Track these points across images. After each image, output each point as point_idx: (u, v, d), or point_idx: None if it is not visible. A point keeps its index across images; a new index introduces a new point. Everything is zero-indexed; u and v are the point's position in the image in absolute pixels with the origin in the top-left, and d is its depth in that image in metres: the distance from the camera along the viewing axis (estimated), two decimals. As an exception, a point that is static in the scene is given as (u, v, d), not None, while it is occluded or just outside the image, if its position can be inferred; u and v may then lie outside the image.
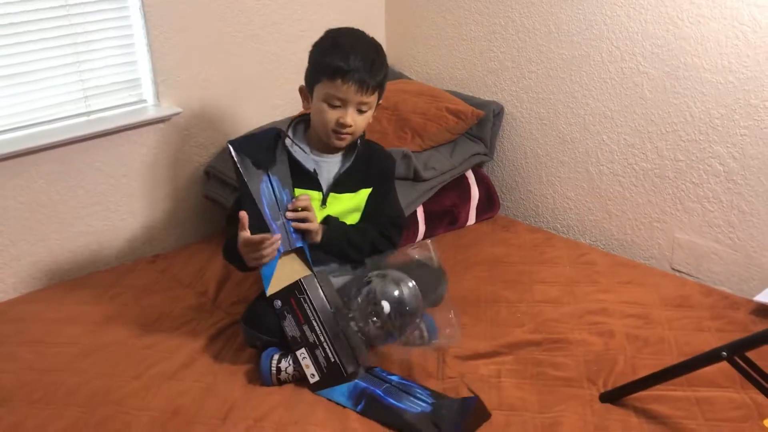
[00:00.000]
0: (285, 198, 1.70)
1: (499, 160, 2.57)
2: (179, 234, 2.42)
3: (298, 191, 1.76)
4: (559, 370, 1.68)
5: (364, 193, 1.83)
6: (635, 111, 2.16)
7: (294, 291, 1.64)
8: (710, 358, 1.40)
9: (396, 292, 1.62)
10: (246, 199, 1.66)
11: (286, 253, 1.68)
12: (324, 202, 1.78)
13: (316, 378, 1.63)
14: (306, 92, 1.77)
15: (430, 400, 1.58)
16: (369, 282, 1.64)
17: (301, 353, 1.63)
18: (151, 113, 2.27)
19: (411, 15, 2.70)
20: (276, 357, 1.68)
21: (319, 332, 1.63)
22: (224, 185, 2.30)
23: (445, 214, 2.38)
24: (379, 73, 1.70)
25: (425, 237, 2.34)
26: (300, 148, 1.79)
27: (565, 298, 1.99)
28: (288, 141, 1.77)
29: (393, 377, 1.66)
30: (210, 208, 2.40)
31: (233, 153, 1.67)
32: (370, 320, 1.63)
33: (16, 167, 2.04)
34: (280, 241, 1.65)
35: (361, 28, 2.69)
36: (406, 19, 2.73)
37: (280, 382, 1.66)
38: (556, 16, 2.27)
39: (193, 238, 2.44)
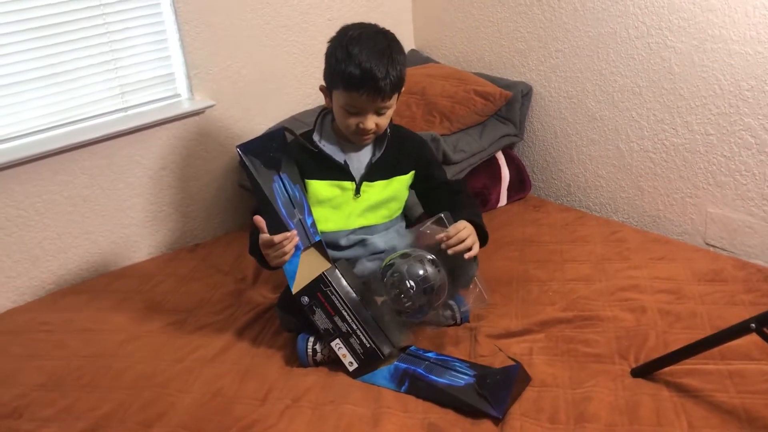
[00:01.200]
0: (297, 195, 1.72)
1: (530, 140, 2.58)
2: (217, 223, 2.48)
3: (330, 183, 1.79)
4: (590, 346, 1.70)
5: (398, 181, 1.84)
6: (664, 86, 2.14)
7: (320, 285, 1.66)
8: (739, 330, 1.40)
9: (420, 271, 1.64)
10: (262, 201, 1.67)
11: (306, 248, 1.71)
12: (357, 191, 1.80)
13: (355, 365, 1.66)
14: (326, 92, 1.76)
15: (471, 372, 1.61)
16: (392, 264, 1.66)
17: (336, 344, 1.67)
18: (186, 107, 2.33)
19: (437, -1, 2.72)
20: (312, 339, 1.73)
21: (350, 321, 1.66)
22: (258, 174, 2.35)
23: (476, 195, 2.39)
24: (395, 77, 1.66)
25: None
26: (327, 141, 1.80)
27: (597, 275, 2.00)
28: (316, 137, 1.80)
29: (430, 354, 1.70)
30: (246, 197, 2.46)
31: (243, 157, 1.67)
32: (397, 300, 1.65)
33: (60, 163, 2.12)
34: (297, 238, 1.66)
35: (388, 14, 2.72)
36: (433, 3, 2.74)
37: (317, 363, 1.71)
38: (582, -6, 2.26)
39: (231, 226, 2.51)
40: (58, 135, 2.14)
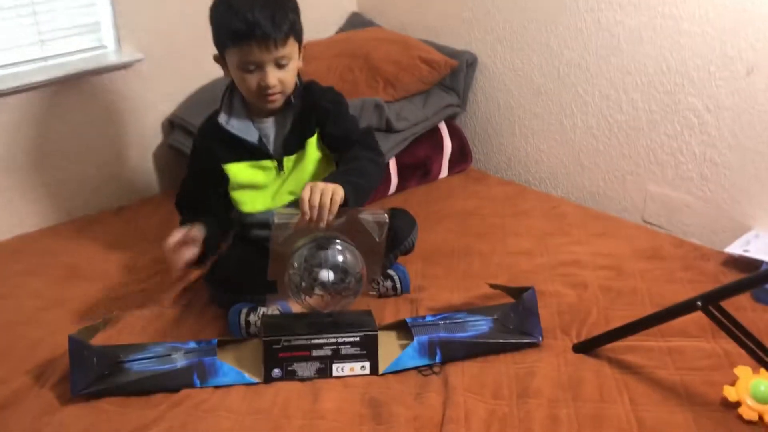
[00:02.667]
0: (156, 349, 1.51)
1: (472, 111, 2.53)
2: (144, 185, 2.35)
3: (248, 164, 1.66)
4: (532, 321, 1.68)
5: (310, 144, 1.69)
6: (611, 62, 2.13)
7: (272, 348, 1.48)
8: (685, 308, 1.40)
9: (337, 257, 1.50)
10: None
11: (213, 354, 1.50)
12: (281, 167, 1.68)
13: (367, 365, 1.52)
14: (220, 60, 1.63)
15: (483, 316, 1.62)
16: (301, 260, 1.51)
17: (336, 369, 1.51)
18: (112, 59, 2.18)
19: (383, -40, 2.63)
20: (245, 311, 1.64)
21: (325, 341, 1.50)
22: (189, 135, 2.22)
23: (418, 166, 2.34)
24: (285, 22, 1.54)
25: (397, 190, 2.31)
26: (237, 119, 1.65)
27: (538, 249, 1.99)
28: (223, 118, 1.65)
29: (429, 318, 1.63)
30: (175, 158, 2.33)
31: (89, 394, 1.42)
32: (320, 295, 1.51)
33: (-30, 114, 1.95)
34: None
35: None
36: (378, -36, 2.65)
37: (250, 336, 1.63)
38: (533, -37, 2.22)
39: (158, 189, 2.38)
40: (-33, 82, 1.96)
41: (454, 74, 2.41)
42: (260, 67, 1.56)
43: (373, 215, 1.53)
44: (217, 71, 2.32)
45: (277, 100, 1.63)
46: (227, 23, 1.54)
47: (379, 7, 2.69)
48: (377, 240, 1.53)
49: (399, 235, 1.71)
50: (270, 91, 1.58)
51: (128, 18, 2.17)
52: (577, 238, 2.04)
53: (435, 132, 2.40)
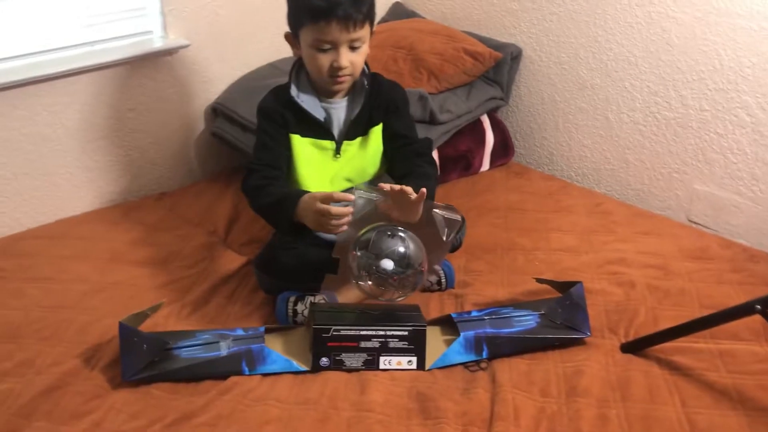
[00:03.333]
0: (203, 336, 1.51)
1: (515, 105, 2.51)
2: (186, 172, 2.35)
3: (309, 141, 1.67)
4: (579, 319, 1.65)
5: (375, 133, 1.71)
6: (661, 57, 2.09)
7: (321, 336, 1.47)
8: (743, 311, 1.37)
9: (400, 248, 1.48)
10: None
11: (262, 341, 1.50)
12: (338, 151, 1.69)
13: (414, 360, 1.50)
14: (292, 38, 1.64)
15: (530, 312, 1.60)
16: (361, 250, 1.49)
17: (383, 362, 1.50)
18: (158, 45, 2.17)
19: (427, -50, 2.60)
20: (292, 299, 1.64)
21: (374, 332, 1.49)
22: (232, 122, 2.22)
23: (460, 159, 2.33)
24: (365, 4, 1.55)
25: (438, 182, 2.29)
26: (306, 94, 1.66)
27: (583, 247, 1.96)
28: (294, 91, 1.66)
29: (474, 313, 1.62)
30: (217, 145, 2.33)
31: (143, 379, 1.43)
32: (379, 283, 1.49)
33: (18, 97, 1.94)
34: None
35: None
36: (422, -46, 2.62)
37: (297, 325, 1.63)
38: (582, -45, 2.18)
39: (201, 176, 2.38)
40: (15, 66, 1.95)
41: (498, 67, 2.38)
42: (335, 47, 1.56)
43: (447, 214, 1.52)
44: (262, 59, 2.35)
45: (346, 82, 1.64)
46: (308, 0, 1.53)
47: (422, -3, 2.67)
48: (444, 239, 1.52)
49: None
50: (341, 73, 1.59)
51: (175, 4, 2.16)
52: (622, 236, 2.01)
53: (477, 125, 2.38)
